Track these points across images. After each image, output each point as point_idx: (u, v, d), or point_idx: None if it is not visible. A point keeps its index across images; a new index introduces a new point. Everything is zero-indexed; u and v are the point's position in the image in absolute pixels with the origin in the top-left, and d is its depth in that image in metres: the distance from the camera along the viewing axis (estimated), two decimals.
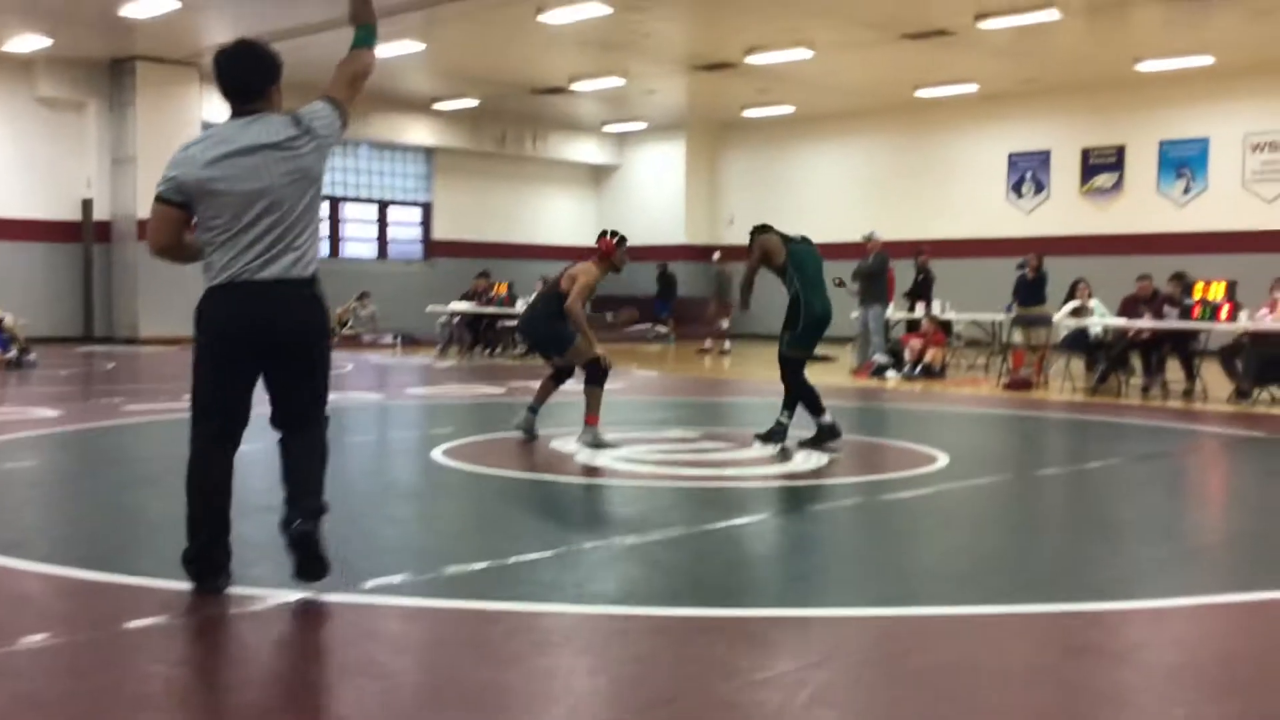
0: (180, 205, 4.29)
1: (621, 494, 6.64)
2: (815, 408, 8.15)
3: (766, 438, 8.14)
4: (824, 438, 8.10)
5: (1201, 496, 7.47)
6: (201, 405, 4.47)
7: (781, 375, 8.33)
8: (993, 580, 4.76)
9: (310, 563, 4.22)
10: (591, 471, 7.17)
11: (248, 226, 4.15)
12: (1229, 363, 12.30)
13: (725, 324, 21.28)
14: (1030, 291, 15.39)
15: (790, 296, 8.32)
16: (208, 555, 4.28)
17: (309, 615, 4.06)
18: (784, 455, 7.86)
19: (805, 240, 8.64)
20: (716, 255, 22.77)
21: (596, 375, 8.22)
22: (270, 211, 4.16)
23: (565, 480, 6.97)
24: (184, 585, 4.29)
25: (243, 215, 4.15)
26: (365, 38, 4.68)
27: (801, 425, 8.25)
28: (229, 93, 4.41)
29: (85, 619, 4.04)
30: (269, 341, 4.23)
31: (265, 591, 4.23)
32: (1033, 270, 15.41)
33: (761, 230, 8.72)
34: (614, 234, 8.58)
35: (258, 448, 8.36)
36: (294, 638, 3.95)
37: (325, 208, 25.79)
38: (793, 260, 8.35)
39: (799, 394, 8.20)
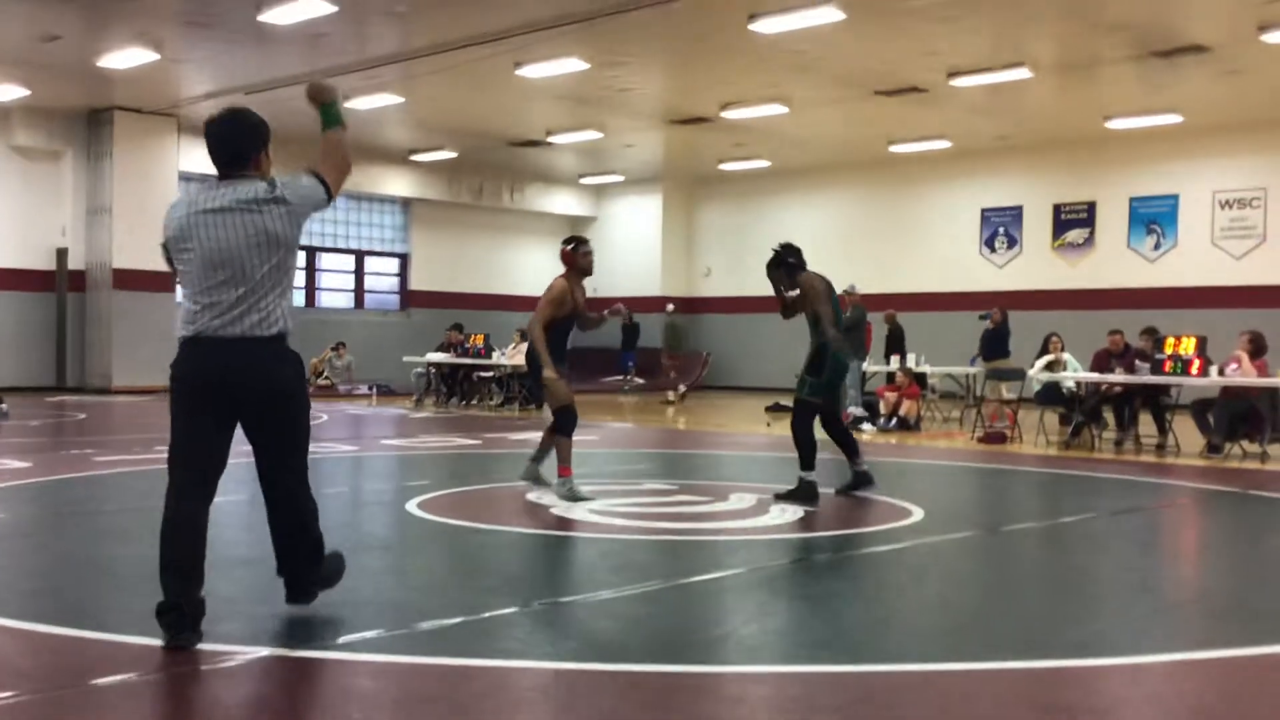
0: (169, 259, 4.45)
1: (597, 547, 6.62)
2: (808, 461, 8.10)
3: (791, 497, 8.03)
4: (801, 495, 8.04)
5: (1176, 552, 7.50)
6: (174, 455, 4.53)
7: (794, 423, 8.26)
8: (968, 637, 4.76)
9: (299, 596, 4.72)
10: (567, 524, 7.14)
11: (214, 285, 4.27)
12: (1201, 417, 12.39)
13: (674, 375, 21.69)
14: (994, 343, 15.57)
15: (816, 343, 8.22)
16: (178, 607, 4.26)
17: (281, 672, 4.02)
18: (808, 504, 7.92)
19: (830, 286, 8.45)
20: (670, 307, 22.90)
21: (566, 424, 8.18)
22: (232, 271, 4.26)
23: (541, 533, 6.94)
24: (154, 641, 4.24)
25: (208, 273, 4.27)
26: (331, 118, 4.84)
27: (782, 479, 8.25)
28: (217, 159, 4.54)
29: (53, 676, 3.98)
30: (236, 396, 4.33)
31: (237, 648, 4.18)
32: (995, 322, 15.61)
33: (797, 260, 8.42)
34: (570, 240, 8.50)
35: (233, 500, 8.32)
36: (265, 696, 3.90)
37: (302, 257, 25.77)
38: (836, 308, 8.27)
39: (799, 440, 8.14)
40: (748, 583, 5.66)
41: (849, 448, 8.46)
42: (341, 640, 4.31)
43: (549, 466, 8.38)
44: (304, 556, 4.71)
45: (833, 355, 8.16)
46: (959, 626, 4.93)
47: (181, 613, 4.25)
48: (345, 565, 4.94)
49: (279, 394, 4.40)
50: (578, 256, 8.34)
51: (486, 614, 4.80)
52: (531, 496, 8.15)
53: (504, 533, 6.98)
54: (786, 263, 8.36)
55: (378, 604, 5.13)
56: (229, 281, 4.25)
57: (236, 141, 4.57)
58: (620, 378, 24.55)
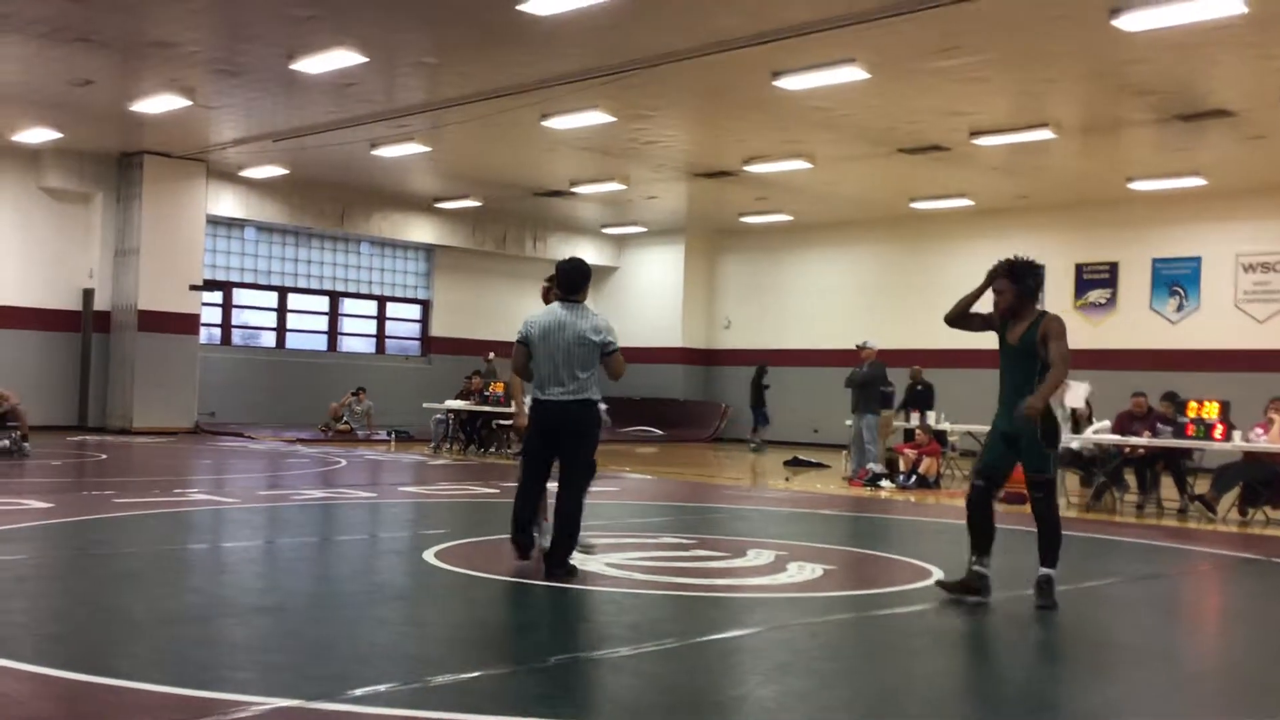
0: (523, 343, 7.34)
1: (614, 602, 6.58)
2: (1055, 555, 6.74)
3: (955, 589, 6.81)
4: (1047, 597, 6.67)
5: (1197, 621, 7.41)
6: (523, 464, 7.54)
7: (1047, 511, 6.74)
8: (985, 703, 4.70)
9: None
10: (584, 578, 7.11)
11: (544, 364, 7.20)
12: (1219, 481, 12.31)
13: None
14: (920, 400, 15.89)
15: (1042, 407, 6.58)
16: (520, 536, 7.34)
17: None
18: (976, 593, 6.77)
19: None
20: (491, 355, 22.46)
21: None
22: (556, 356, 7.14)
23: (558, 586, 6.90)
24: (166, 688, 4.24)
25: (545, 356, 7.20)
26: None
27: (799, 535, 8.16)
28: (563, 287, 7.37)
29: None
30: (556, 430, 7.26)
31: (250, 698, 4.16)
32: (915, 379, 15.91)
33: (1038, 284, 6.89)
34: (549, 279, 7.87)
35: (248, 546, 8.33)
36: None
37: (325, 302, 25.97)
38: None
39: (1056, 528, 6.72)
40: (766, 643, 5.61)
41: (989, 541, 6.89)
42: (356, 693, 4.29)
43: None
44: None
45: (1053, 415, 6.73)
46: (976, 692, 4.88)
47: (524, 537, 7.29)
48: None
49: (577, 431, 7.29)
50: (553, 298, 7.88)
51: (502, 669, 4.78)
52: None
53: (521, 585, 6.95)
54: (1027, 283, 6.79)
55: (393, 656, 5.11)
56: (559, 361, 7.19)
57: (576, 278, 7.37)
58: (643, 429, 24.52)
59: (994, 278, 6.82)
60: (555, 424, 7.19)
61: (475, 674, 4.65)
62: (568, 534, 7.16)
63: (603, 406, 7.93)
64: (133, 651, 5.03)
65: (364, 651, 5.15)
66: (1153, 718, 4.54)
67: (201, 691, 4.25)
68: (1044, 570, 6.71)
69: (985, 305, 7.01)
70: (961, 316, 7.06)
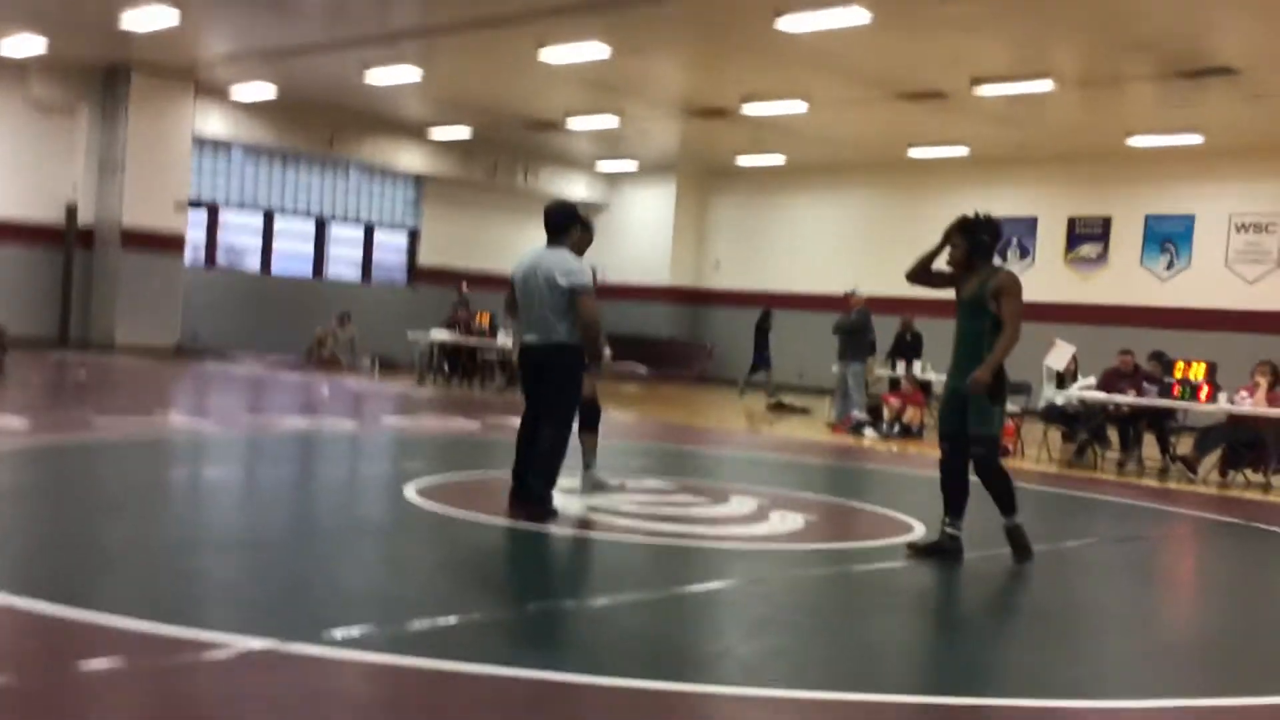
0: (511, 283, 7.32)
1: (595, 548, 6.55)
2: (1011, 503, 6.71)
3: (925, 552, 6.72)
4: (1020, 547, 6.73)
5: (1176, 587, 7.44)
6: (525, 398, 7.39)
7: (988, 467, 6.65)
8: (963, 669, 4.69)
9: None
10: (565, 521, 7.08)
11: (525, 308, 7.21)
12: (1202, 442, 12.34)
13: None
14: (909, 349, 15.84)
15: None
16: (519, 486, 7.16)
17: (267, 668, 3.94)
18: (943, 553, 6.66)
19: None
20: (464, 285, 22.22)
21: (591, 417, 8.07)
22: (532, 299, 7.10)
23: (538, 530, 6.87)
24: (141, 624, 4.18)
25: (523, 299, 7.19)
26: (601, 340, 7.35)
27: (781, 481, 8.13)
28: (546, 227, 7.24)
29: (38, 659, 3.91)
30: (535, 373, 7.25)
31: (226, 637, 4.11)
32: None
33: (992, 241, 6.75)
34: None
35: (227, 476, 8.27)
36: (249, 694, 3.81)
37: (311, 227, 25.72)
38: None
39: (1000, 485, 6.68)
40: (746, 596, 5.59)
41: (961, 502, 6.75)
42: (332, 635, 4.24)
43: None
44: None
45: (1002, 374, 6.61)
46: (953, 657, 4.87)
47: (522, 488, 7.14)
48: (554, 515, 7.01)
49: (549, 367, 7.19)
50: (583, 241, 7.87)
51: (480, 615, 4.74)
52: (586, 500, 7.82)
53: (501, 527, 6.91)
54: (979, 239, 6.69)
55: (370, 597, 5.07)
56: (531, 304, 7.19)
57: (556, 218, 7.25)
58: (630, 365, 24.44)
59: (950, 234, 6.77)
60: (532, 367, 7.21)
61: (453, 619, 4.60)
62: (540, 473, 7.12)
63: (607, 352, 7.89)
64: (107, 583, 4.97)
65: (341, 592, 5.11)
66: (1128, 687, 4.54)
67: (176, 628, 4.19)
68: (1006, 521, 6.74)
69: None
70: (922, 272, 7.03)
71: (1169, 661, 5.09)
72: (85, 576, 5.06)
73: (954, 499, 6.75)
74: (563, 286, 6.97)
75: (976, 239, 6.71)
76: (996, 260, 6.88)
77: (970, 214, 6.82)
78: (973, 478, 6.73)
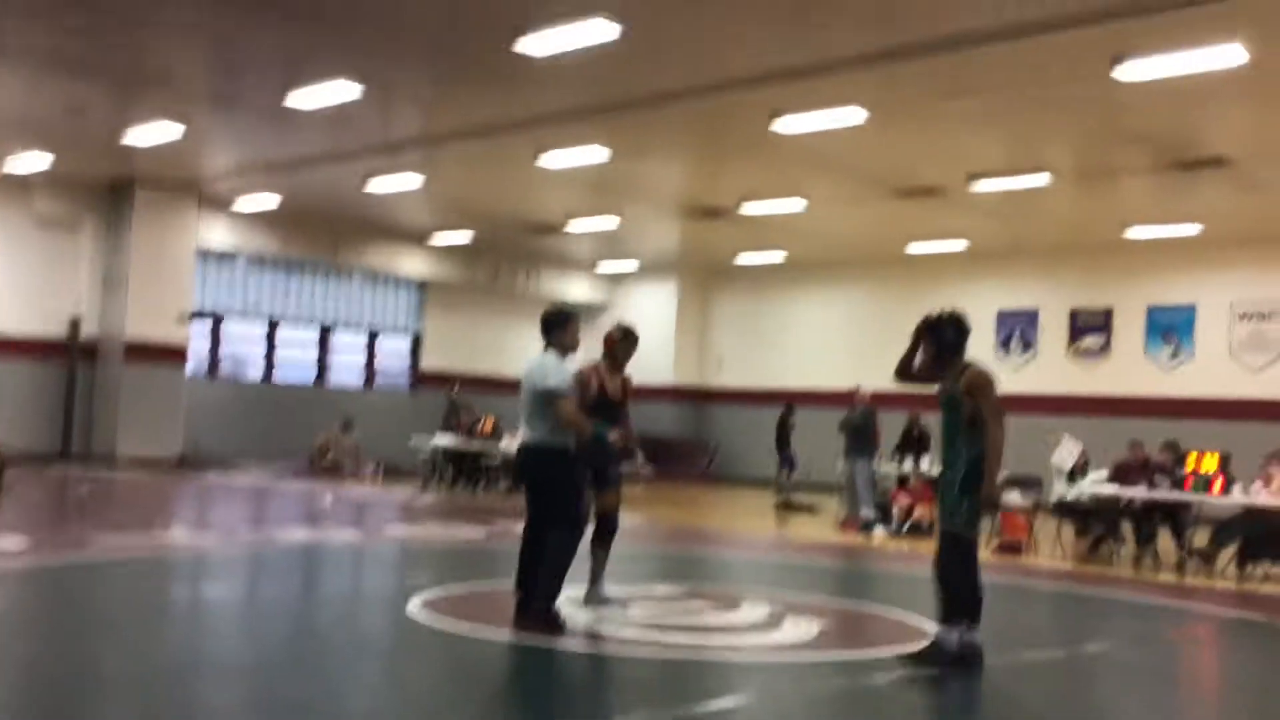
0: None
1: (605, 664, 6.37)
2: (974, 611, 6.43)
3: (922, 659, 6.42)
4: (949, 656, 6.37)
5: (1204, 692, 7.22)
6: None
7: (944, 565, 6.49)
8: None
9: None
10: (573, 635, 6.89)
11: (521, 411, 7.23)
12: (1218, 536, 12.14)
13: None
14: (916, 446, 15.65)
15: (971, 455, 6.43)
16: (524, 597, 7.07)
17: None
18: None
19: None
20: (456, 386, 22.20)
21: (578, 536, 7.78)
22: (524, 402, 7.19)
23: (546, 645, 6.68)
24: None
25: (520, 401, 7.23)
26: (599, 435, 7.33)
27: (793, 584, 7.95)
28: (541, 331, 7.35)
29: None
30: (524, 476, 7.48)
31: None
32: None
33: (958, 339, 6.68)
34: (622, 329, 8.00)
35: (226, 594, 8.10)
36: None
37: (314, 335, 25.77)
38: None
39: (952, 587, 6.43)
40: (762, 713, 5.41)
41: (974, 603, 6.47)
42: None
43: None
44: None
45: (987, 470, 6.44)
46: None
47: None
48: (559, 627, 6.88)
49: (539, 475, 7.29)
50: (618, 348, 7.95)
51: None
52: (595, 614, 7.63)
53: (507, 643, 6.73)
54: (944, 338, 6.68)
55: None
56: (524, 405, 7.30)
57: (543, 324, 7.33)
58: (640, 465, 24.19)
59: (918, 335, 6.78)
60: (525, 470, 7.39)
61: None
62: (542, 585, 6.99)
63: (637, 452, 8.00)
64: (103, 712, 4.81)
65: (344, 716, 4.94)
66: None
67: None
68: (939, 628, 6.47)
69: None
70: (905, 372, 6.99)
71: None
72: (81, 706, 4.90)
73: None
74: (539, 390, 7.09)
75: (941, 337, 6.70)
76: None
77: (938, 311, 6.82)
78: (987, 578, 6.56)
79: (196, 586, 8.57)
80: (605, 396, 7.80)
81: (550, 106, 14.46)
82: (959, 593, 6.43)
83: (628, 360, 8.02)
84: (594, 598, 7.80)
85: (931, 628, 7.35)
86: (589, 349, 7.81)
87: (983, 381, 6.53)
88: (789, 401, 22.59)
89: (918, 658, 6.44)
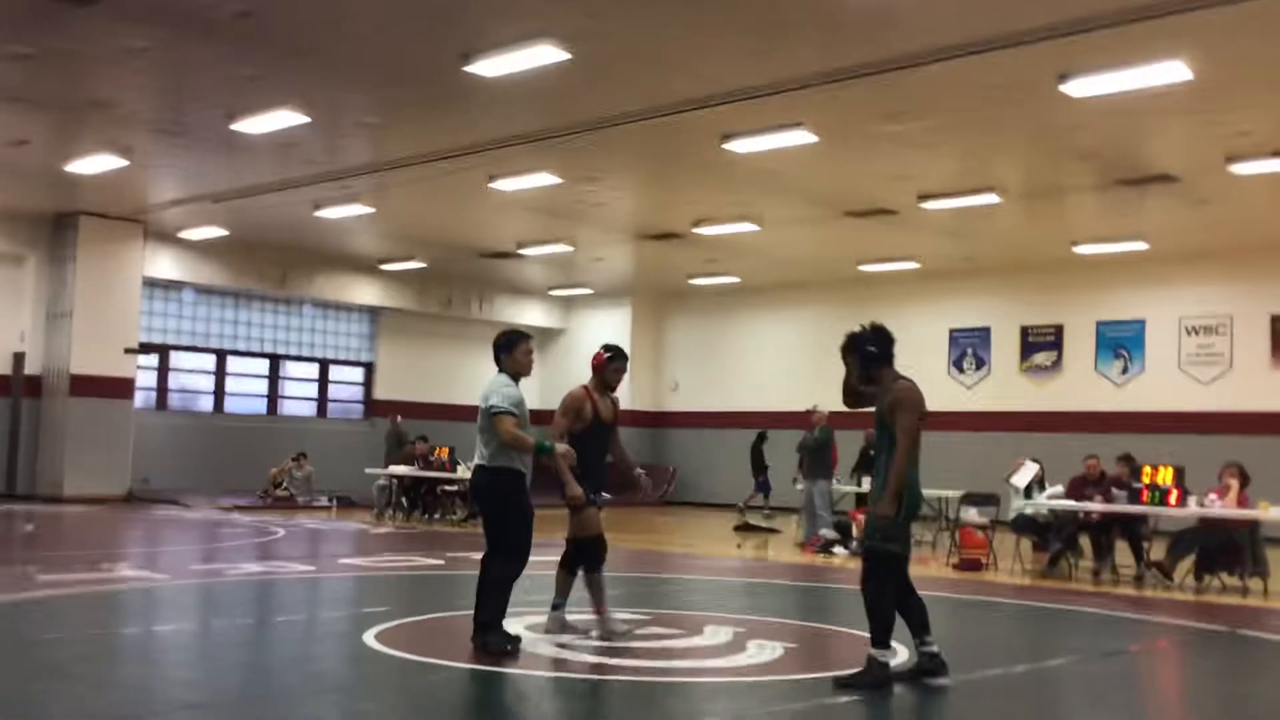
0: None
1: (568, 691, 6.25)
2: (882, 635, 6.30)
3: (851, 682, 6.28)
4: (870, 681, 6.25)
5: (1172, 704, 7.21)
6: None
7: (863, 583, 6.46)
8: None
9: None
10: (534, 663, 6.77)
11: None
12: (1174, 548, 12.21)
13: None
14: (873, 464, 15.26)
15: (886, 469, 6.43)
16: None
17: None
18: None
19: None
20: (398, 417, 22.26)
21: (578, 557, 7.63)
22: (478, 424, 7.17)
23: (507, 673, 6.56)
24: None
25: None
26: (542, 447, 7.09)
27: (755, 609, 7.86)
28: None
29: None
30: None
31: None
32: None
33: (880, 351, 6.63)
34: (608, 348, 7.82)
35: (178, 630, 7.90)
36: None
37: (265, 365, 25.47)
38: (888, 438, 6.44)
39: (873, 607, 6.36)
40: None
41: (884, 623, 6.41)
42: None
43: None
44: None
45: (914, 487, 6.42)
46: None
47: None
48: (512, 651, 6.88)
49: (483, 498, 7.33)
50: (608, 370, 7.72)
51: None
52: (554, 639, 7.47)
53: (467, 672, 6.60)
54: (864, 350, 6.67)
55: None
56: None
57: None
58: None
59: (844, 353, 6.77)
60: (472, 491, 7.64)
61: None
62: (479, 609, 6.96)
63: (638, 472, 8.02)
64: None
65: None
66: None
67: None
68: (871, 649, 6.33)
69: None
70: (850, 395, 6.97)
71: None
72: None
73: (910, 616, 6.50)
74: (482, 410, 7.10)
75: (863, 352, 6.67)
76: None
77: (859, 327, 6.82)
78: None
79: (145, 625, 8.35)
80: (600, 420, 7.66)
81: (500, 132, 14.39)
82: (882, 614, 6.34)
83: (618, 380, 7.85)
84: (558, 621, 7.65)
85: (899, 647, 7.31)
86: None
87: (903, 396, 6.44)
88: (762, 428, 22.63)
89: (848, 681, 6.29)
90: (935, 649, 6.47)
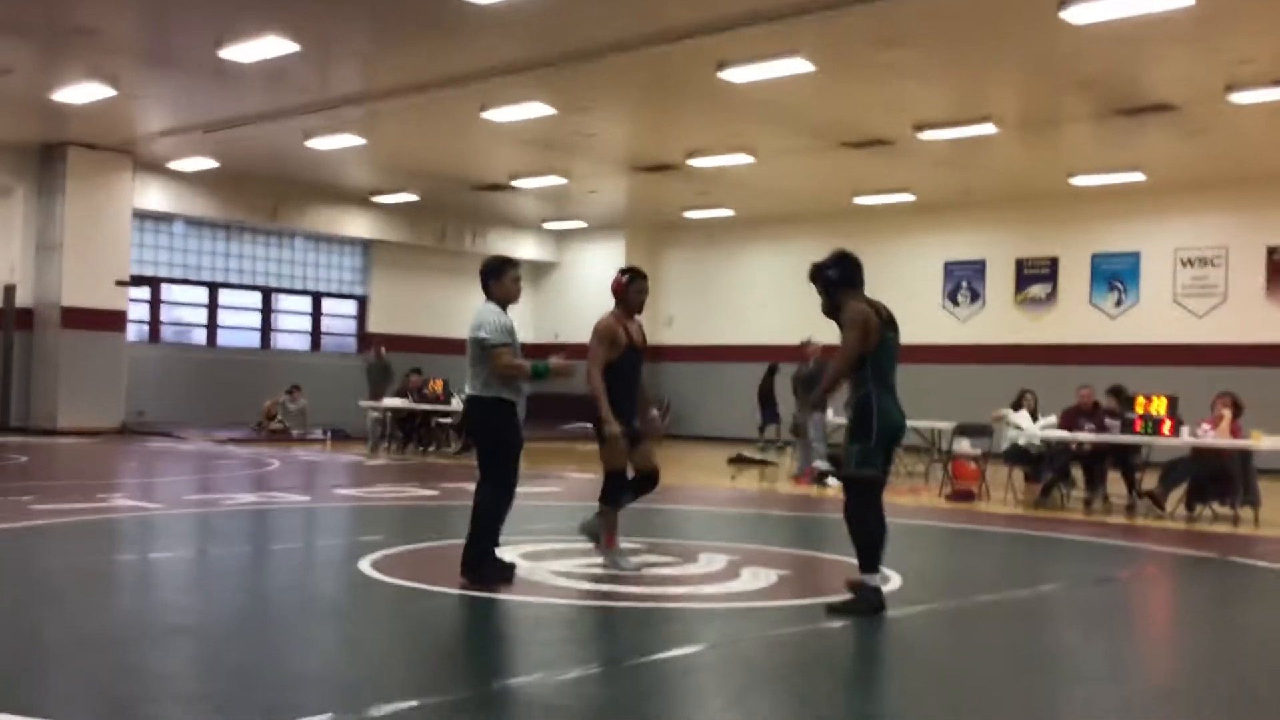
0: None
1: (562, 615, 6.27)
2: (871, 559, 6.31)
3: (843, 610, 6.30)
4: (861, 607, 6.27)
5: (1162, 628, 7.26)
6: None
7: (846, 511, 6.46)
8: None
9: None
10: (528, 588, 6.79)
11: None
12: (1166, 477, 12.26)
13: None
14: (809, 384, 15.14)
15: (860, 396, 6.41)
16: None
17: None
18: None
19: (891, 320, 6.63)
20: (382, 349, 22.39)
21: (611, 492, 7.48)
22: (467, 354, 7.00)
23: (500, 599, 6.58)
24: None
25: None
26: (539, 370, 7.02)
27: (751, 537, 7.90)
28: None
29: None
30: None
31: None
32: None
33: (840, 275, 6.62)
34: (625, 270, 7.66)
35: (172, 557, 7.92)
36: None
37: (257, 298, 25.36)
38: (879, 350, 6.45)
39: (857, 532, 6.36)
40: (724, 660, 5.34)
41: (872, 547, 6.39)
42: None
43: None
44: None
45: (886, 411, 6.38)
46: (946, 716, 4.63)
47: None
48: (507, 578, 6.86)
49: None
50: (629, 291, 7.55)
51: (443, 697, 4.46)
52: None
53: (462, 598, 6.62)
54: (825, 276, 6.65)
55: (327, 681, 4.78)
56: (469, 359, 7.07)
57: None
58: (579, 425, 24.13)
59: (813, 283, 6.74)
60: (463, 421, 7.49)
61: (414, 702, 4.32)
62: (471, 535, 6.89)
63: (654, 413, 7.81)
64: (44, 683, 4.64)
65: (295, 675, 4.81)
66: None
67: None
68: (860, 575, 6.35)
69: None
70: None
71: (1169, 710, 4.89)
72: (20, 675, 4.73)
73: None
74: (473, 339, 6.93)
75: (825, 279, 6.66)
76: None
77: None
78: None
79: (141, 552, 8.37)
80: (633, 345, 7.50)
81: (492, 60, 14.21)
82: (861, 537, 6.36)
83: (641, 301, 7.64)
84: (589, 528, 7.60)
85: (892, 575, 7.35)
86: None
87: (853, 316, 6.41)
88: (772, 361, 22.58)
89: (840, 607, 6.32)
90: (877, 586, 6.37)
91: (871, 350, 6.38)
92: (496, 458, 6.96)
